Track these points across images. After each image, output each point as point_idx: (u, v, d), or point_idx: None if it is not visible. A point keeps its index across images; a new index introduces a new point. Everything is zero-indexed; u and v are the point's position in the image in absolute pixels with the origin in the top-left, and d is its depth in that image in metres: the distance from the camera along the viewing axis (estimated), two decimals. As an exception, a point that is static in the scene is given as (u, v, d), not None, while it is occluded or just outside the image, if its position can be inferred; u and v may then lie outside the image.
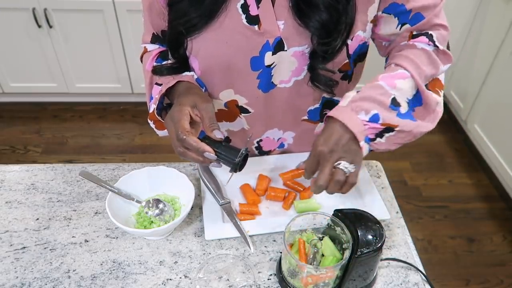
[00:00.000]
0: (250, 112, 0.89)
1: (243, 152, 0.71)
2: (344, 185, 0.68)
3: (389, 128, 0.71)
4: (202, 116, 0.73)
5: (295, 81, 0.83)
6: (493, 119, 2.27)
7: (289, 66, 0.80)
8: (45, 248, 0.81)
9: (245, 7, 0.74)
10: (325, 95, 0.89)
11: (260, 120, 0.92)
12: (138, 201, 0.84)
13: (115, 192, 0.82)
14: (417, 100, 0.74)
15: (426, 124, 0.74)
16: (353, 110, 0.70)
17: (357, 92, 0.73)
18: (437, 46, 0.77)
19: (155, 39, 0.87)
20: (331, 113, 0.71)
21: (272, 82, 0.83)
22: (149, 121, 0.85)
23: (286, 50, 0.77)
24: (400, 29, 0.78)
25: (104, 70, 2.50)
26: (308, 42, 0.76)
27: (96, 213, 0.88)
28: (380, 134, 0.71)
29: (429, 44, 0.77)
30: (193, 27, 0.76)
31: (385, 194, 0.94)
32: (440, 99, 0.76)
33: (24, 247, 0.81)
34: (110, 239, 0.83)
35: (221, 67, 0.80)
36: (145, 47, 0.90)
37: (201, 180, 0.92)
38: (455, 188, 2.29)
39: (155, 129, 0.87)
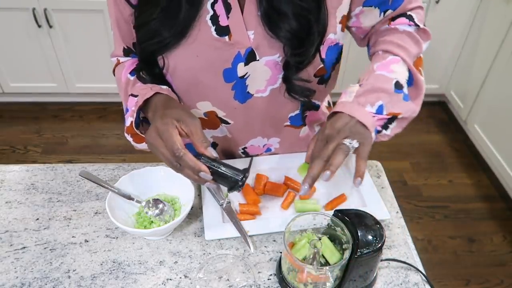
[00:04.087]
0: (230, 123, 0.89)
1: (247, 174, 0.67)
2: (358, 161, 0.68)
3: (393, 118, 0.73)
4: (191, 132, 0.68)
5: (271, 89, 0.82)
6: (493, 119, 2.27)
7: (263, 76, 0.79)
8: (45, 248, 0.81)
9: (214, 19, 0.71)
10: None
11: (241, 130, 0.91)
12: (138, 201, 0.84)
13: (115, 192, 0.82)
14: (409, 81, 0.77)
15: (416, 107, 0.77)
16: (360, 104, 0.71)
17: (359, 85, 0.74)
18: (418, 25, 0.80)
19: (127, 53, 0.84)
20: (337, 109, 0.72)
21: (248, 92, 0.82)
22: (126, 134, 0.79)
23: (258, 60, 0.76)
24: (383, 16, 0.80)
25: (104, 70, 2.50)
26: (279, 51, 0.75)
27: (96, 213, 0.88)
28: (385, 126, 0.73)
29: (409, 25, 0.80)
30: (165, 46, 0.73)
31: (385, 194, 0.93)
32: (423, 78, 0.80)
33: (24, 247, 0.81)
34: (110, 239, 0.83)
35: (194, 80, 0.79)
36: (117, 59, 0.86)
37: (201, 180, 0.92)
38: (455, 188, 2.29)
39: (132, 143, 0.81)
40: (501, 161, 2.17)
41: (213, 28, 0.72)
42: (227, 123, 0.89)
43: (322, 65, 0.80)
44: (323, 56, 0.78)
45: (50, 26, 2.29)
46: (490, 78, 2.27)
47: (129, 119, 0.76)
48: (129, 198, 0.84)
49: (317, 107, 0.95)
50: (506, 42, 2.13)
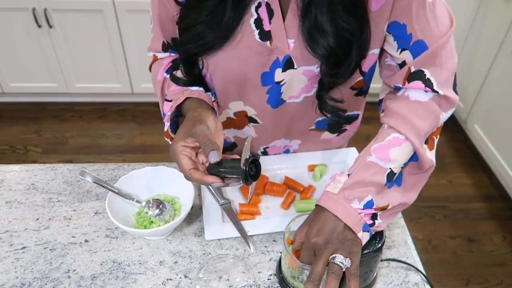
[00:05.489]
0: (259, 123, 0.90)
1: (249, 158, 0.64)
2: (349, 280, 0.62)
3: (382, 208, 0.69)
4: (198, 141, 0.68)
5: (304, 96, 0.82)
6: (493, 119, 2.27)
7: (299, 84, 0.79)
8: (45, 248, 0.81)
9: (258, 23, 0.71)
10: None
11: (268, 130, 0.92)
12: (138, 201, 0.84)
13: (115, 192, 0.82)
14: (413, 158, 0.72)
15: (413, 195, 0.73)
16: (346, 199, 0.66)
17: (348, 175, 0.69)
18: (437, 92, 0.71)
19: (166, 48, 0.84)
20: (321, 202, 0.67)
21: (282, 98, 0.82)
22: (165, 138, 0.82)
23: (296, 69, 0.75)
24: (400, 54, 0.73)
25: (104, 70, 2.50)
26: (318, 63, 0.74)
27: (96, 213, 0.88)
28: (375, 216, 0.68)
29: (425, 91, 0.72)
30: (208, 49, 0.74)
31: (385, 194, 0.93)
32: (433, 154, 0.73)
33: (24, 247, 0.81)
34: (110, 239, 0.83)
35: (233, 81, 0.79)
36: (154, 55, 0.87)
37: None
38: (455, 188, 2.29)
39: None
40: (501, 161, 2.17)
41: (256, 32, 0.72)
42: (256, 122, 0.90)
43: (361, 78, 0.79)
44: (365, 69, 0.77)
45: (50, 26, 2.29)
46: (490, 78, 2.27)
47: (166, 125, 0.80)
48: (129, 198, 0.84)
49: (355, 118, 0.94)
50: (506, 42, 2.13)
